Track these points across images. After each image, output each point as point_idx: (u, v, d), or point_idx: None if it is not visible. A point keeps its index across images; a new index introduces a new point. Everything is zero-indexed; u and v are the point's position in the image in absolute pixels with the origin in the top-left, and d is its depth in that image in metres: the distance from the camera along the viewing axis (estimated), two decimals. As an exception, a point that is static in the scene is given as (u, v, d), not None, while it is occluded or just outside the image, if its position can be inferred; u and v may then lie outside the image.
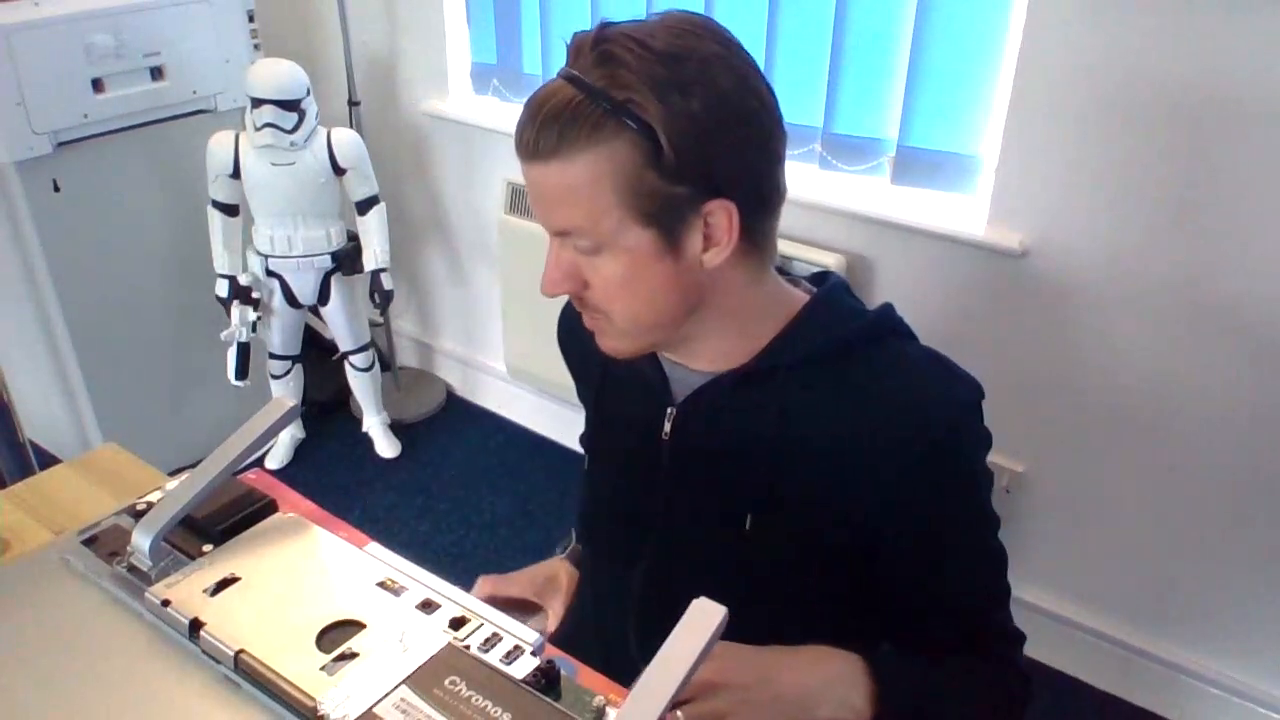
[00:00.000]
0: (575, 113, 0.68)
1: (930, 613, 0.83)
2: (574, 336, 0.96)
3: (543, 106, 0.70)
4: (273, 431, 0.66)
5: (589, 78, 0.69)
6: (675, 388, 0.85)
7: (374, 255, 2.19)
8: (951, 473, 0.78)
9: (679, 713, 0.62)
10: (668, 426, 0.84)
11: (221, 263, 2.13)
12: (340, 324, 2.30)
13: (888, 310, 0.83)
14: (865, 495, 0.77)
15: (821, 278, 0.86)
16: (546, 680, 0.50)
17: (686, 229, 0.73)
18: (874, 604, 0.83)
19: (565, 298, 0.80)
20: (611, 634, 0.94)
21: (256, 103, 1.97)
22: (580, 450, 1.03)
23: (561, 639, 0.90)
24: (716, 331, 0.80)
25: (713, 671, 0.67)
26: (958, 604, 0.83)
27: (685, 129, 0.69)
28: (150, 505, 0.62)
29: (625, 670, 0.55)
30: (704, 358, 0.83)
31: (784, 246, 1.82)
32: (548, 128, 0.69)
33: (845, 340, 0.80)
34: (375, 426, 2.48)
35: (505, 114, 2.26)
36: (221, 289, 2.14)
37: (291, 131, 1.99)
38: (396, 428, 2.53)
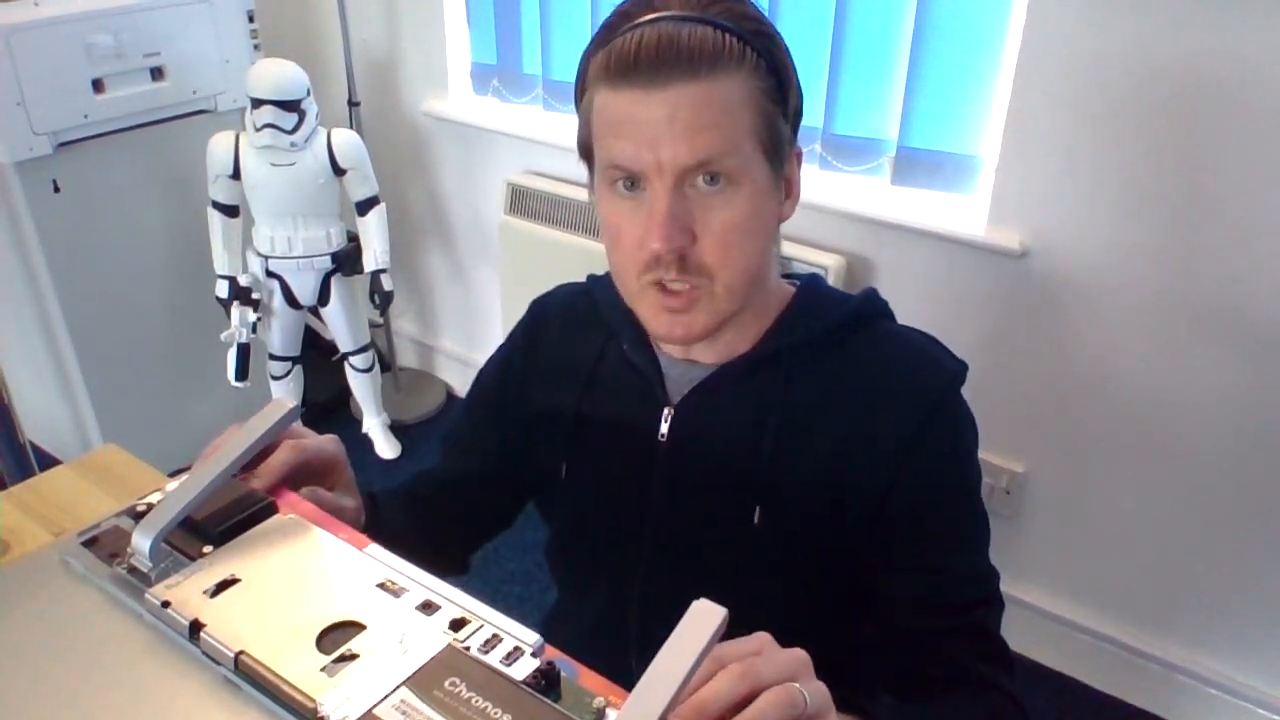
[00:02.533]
0: (719, 37, 0.69)
1: (920, 607, 0.80)
2: (559, 333, 0.93)
3: (679, 33, 0.68)
4: (273, 432, 0.66)
5: (707, 13, 0.70)
6: (670, 387, 0.85)
7: (374, 256, 2.19)
8: (948, 438, 0.79)
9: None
10: (664, 428, 0.84)
11: (221, 263, 2.13)
12: (340, 325, 2.30)
13: (873, 293, 0.86)
14: (867, 467, 0.78)
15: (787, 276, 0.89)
16: (546, 681, 0.50)
17: (784, 171, 0.77)
18: (867, 603, 0.83)
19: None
20: (610, 652, 0.90)
21: (256, 103, 1.97)
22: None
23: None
24: (739, 319, 0.81)
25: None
26: (945, 594, 0.80)
27: (791, 72, 0.75)
28: (150, 506, 0.62)
29: (626, 683, 0.54)
30: (716, 350, 0.83)
31: (784, 246, 1.82)
32: (697, 48, 0.68)
33: (840, 323, 0.82)
34: (375, 427, 2.48)
35: (505, 114, 2.26)
36: (221, 290, 2.14)
37: (291, 132, 1.99)
38: (396, 428, 2.53)
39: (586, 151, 0.78)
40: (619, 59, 0.70)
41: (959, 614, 0.79)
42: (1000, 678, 0.78)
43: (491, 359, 0.99)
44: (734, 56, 0.70)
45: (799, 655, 0.54)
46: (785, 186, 0.78)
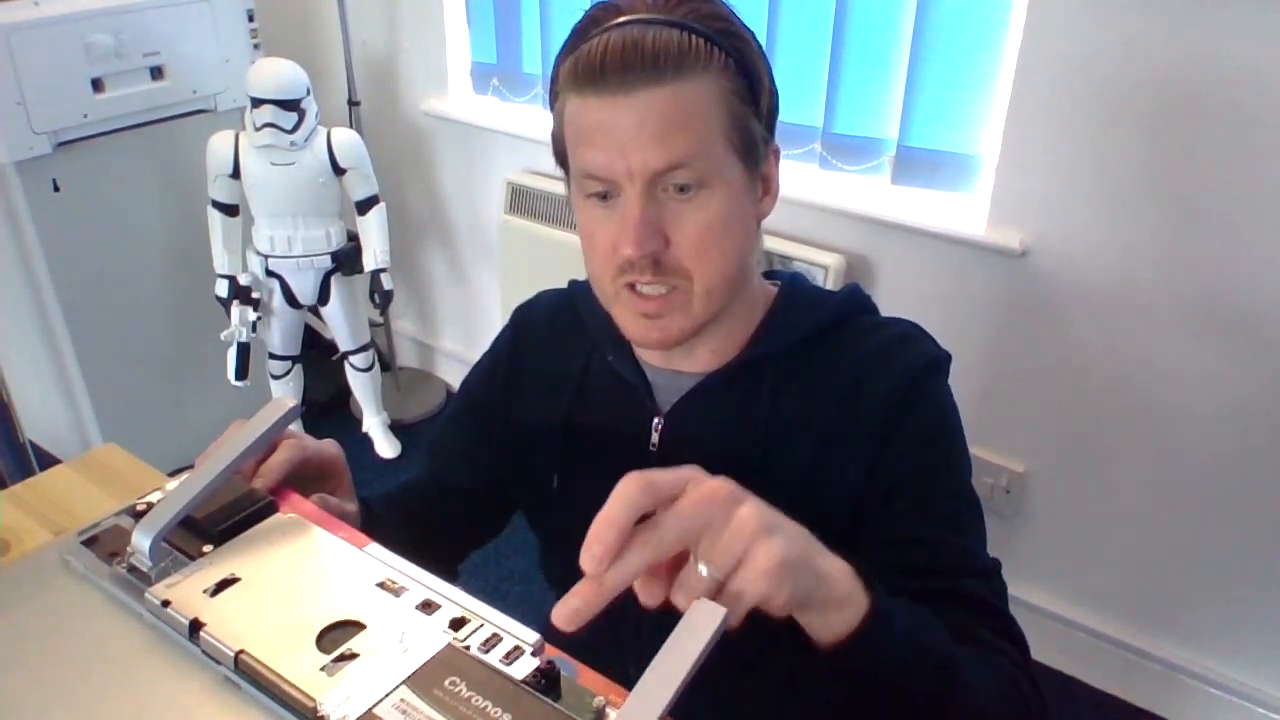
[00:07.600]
0: (685, 39, 0.69)
1: (897, 570, 0.74)
2: (544, 342, 0.91)
3: (643, 37, 0.68)
4: (273, 431, 0.66)
5: (674, 15, 0.70)
6: (659, 396, 0.85)
7: (374, 255, 2.19)
8: (924, 420, 0.78)
9: (701, 567, 0.53)
10: (655, 437, 0.83)
11: (221, 263, 2.13)
12: (340, 324, 2.30)
13: (856, 289, 0.86)
14: (849, 460, 0.77)
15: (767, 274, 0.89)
16: (546, 681, 0.50)
17: (760, 170, 0.76)
18: None
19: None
20: (609, 652, 0.89)
21: (256, 102, 1.97)
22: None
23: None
24: (721, 324, 0.80)
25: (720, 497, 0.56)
26: (923, 561, 0.75)
27: (763, 70, 0.74)
28: (150, 505, 0.62)
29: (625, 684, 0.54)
30: (700, 357, 0.83)
31: (784, 246, 1.82)
32: (662, 52, 0.68)
33: (825, 321, 0.82)
34: (375, 427, 2.48)
35: (505, 114, 2.26)
36: (221, 289, 2.14)
37: (291, 131, 1.99)
38: (396, 428, 2.53)
39: (561, 156, 0.78)
40: (585, 66, 0.70)
41: (938, 577, 0.74)
42: (1003, 644, 0.71)
43: (476, 367, 0.97)
44: (701, 58, 0.69)
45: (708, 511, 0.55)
46: (763, 184, 0.78)
